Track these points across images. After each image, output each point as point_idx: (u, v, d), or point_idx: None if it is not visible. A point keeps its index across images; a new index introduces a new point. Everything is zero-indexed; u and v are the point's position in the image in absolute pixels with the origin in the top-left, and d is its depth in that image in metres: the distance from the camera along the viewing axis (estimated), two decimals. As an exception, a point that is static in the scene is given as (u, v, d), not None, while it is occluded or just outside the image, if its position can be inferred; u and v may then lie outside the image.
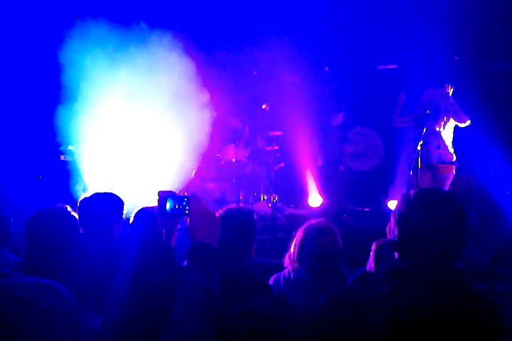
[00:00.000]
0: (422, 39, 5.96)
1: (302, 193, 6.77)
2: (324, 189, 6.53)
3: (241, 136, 6.68)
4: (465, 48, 5.95)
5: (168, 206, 1.55)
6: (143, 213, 2.45)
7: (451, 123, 5.11)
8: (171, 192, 1.58)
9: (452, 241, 1.43)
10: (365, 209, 6.69)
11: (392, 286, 1.40)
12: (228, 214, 2.44)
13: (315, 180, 6.61)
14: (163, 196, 1.56)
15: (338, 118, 6.67)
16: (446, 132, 5.13)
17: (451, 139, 5.17)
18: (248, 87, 7.05)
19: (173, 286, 1.51)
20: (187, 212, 1.52)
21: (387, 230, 1.52)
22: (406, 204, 1.48)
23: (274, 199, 6.22)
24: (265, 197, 6.35)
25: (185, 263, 1.53)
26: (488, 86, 5.81)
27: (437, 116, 5.01)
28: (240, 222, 2.42)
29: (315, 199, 6.60)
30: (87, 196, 2.64)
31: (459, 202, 1.46)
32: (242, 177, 6.40)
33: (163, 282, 2.23)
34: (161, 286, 2.21)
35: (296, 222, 4.46)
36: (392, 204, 5.95)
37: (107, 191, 2.69)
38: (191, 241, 1.52)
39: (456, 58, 5.25)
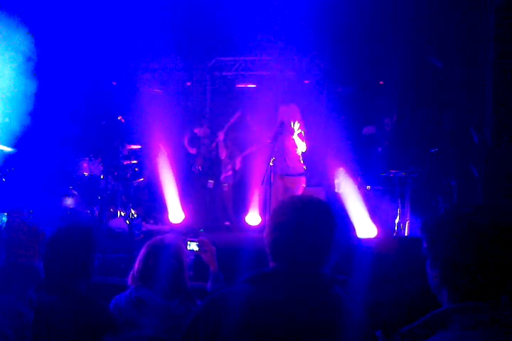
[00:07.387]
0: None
1: (163, 209, 6.61)
2: (186, 204, 6.44)
3: (95, 149, 6.33)
4: (315, 73, 6.45)
5: None
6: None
7: (300, 138, 5.43)
8: None
9: (319, 243, 1.49)
10: (226, 224, 6.76)
11: (258, 285, 1.46)
12: (60, 233, 2.24)
13: (177, 195, 6.49)
14: None
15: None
16: (297, 147, 5.42)
17: (301, 153, 5.47)
18: (106, 97, 6.74)
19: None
20: (3, 226, 1.36)
21: (264, 235, 1.56)
22: (280, 207, 1.57)
23: (132, 215, 5.96)
24: (122, 214, 6.06)
25: None
26: (334, 105, 6.38)
27: (287, 132, 5.28)
28: (73, 240, 2.24)
29: (177, 214, 6.48)
30: None
31: (331, 210, 1.55)
32: (97, 193, 6.04)
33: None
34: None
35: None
36: (249, 218, 6.10)
37: None
38: (6, 258, 1.33)
39: (306, 81, 5.66)
